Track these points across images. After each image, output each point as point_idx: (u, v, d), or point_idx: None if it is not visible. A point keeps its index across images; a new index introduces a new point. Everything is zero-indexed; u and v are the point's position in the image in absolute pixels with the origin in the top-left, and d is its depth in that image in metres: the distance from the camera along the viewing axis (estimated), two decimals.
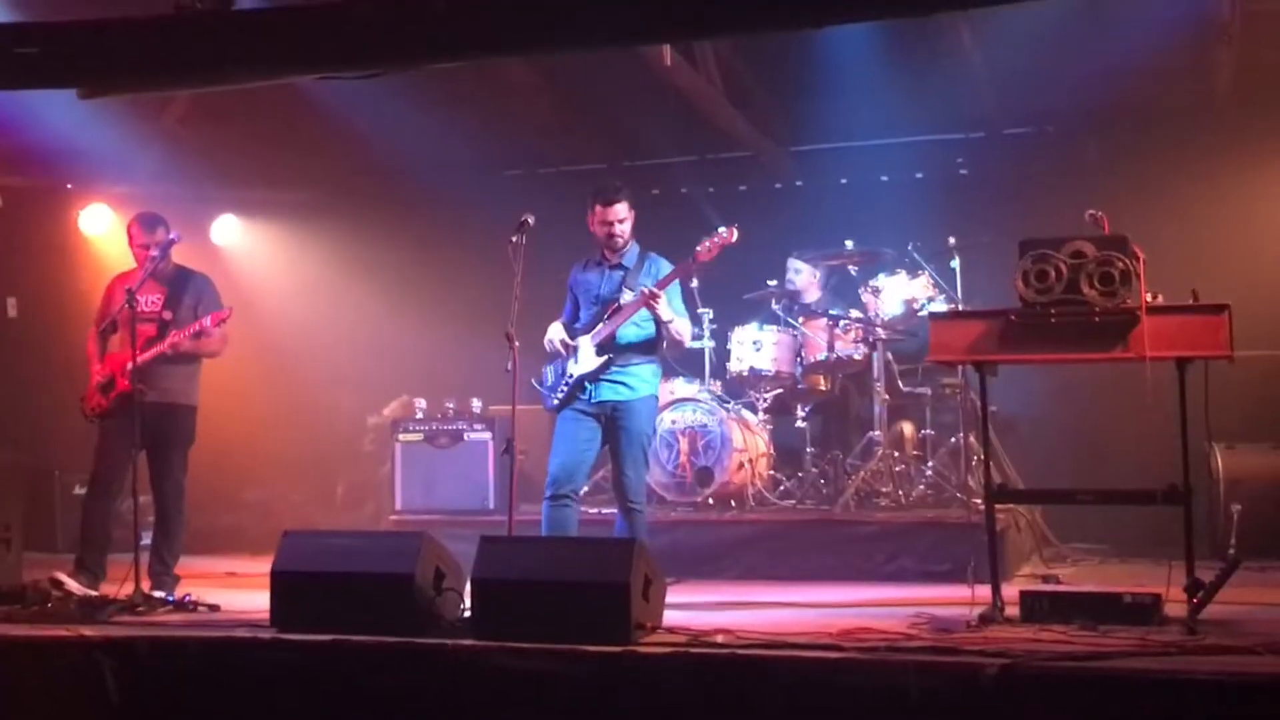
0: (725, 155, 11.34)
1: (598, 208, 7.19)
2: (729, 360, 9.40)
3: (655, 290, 6.96)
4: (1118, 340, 5.85)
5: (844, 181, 11.31)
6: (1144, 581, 6.18)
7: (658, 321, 7.08)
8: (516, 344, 6.77)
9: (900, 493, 8.85)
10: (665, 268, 7.19)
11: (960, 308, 8.62)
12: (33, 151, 10.03)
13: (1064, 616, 5.75)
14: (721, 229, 7.13)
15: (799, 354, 9.35)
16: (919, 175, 11.05)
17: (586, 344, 7.18)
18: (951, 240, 9.03)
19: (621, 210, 7.17)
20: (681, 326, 7.17)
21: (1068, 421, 9.96)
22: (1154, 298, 5.84)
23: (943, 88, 9.74)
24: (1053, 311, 5.89)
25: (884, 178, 11.11)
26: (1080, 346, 5.96)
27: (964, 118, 10.58)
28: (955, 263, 8.99)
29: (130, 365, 7.26)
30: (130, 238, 7.71)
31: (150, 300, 7.61)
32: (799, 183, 11.58)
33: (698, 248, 7.10)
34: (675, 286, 7.22)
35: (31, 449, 9.26)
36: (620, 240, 7.21)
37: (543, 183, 11.68)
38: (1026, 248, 5.97)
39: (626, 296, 7.13)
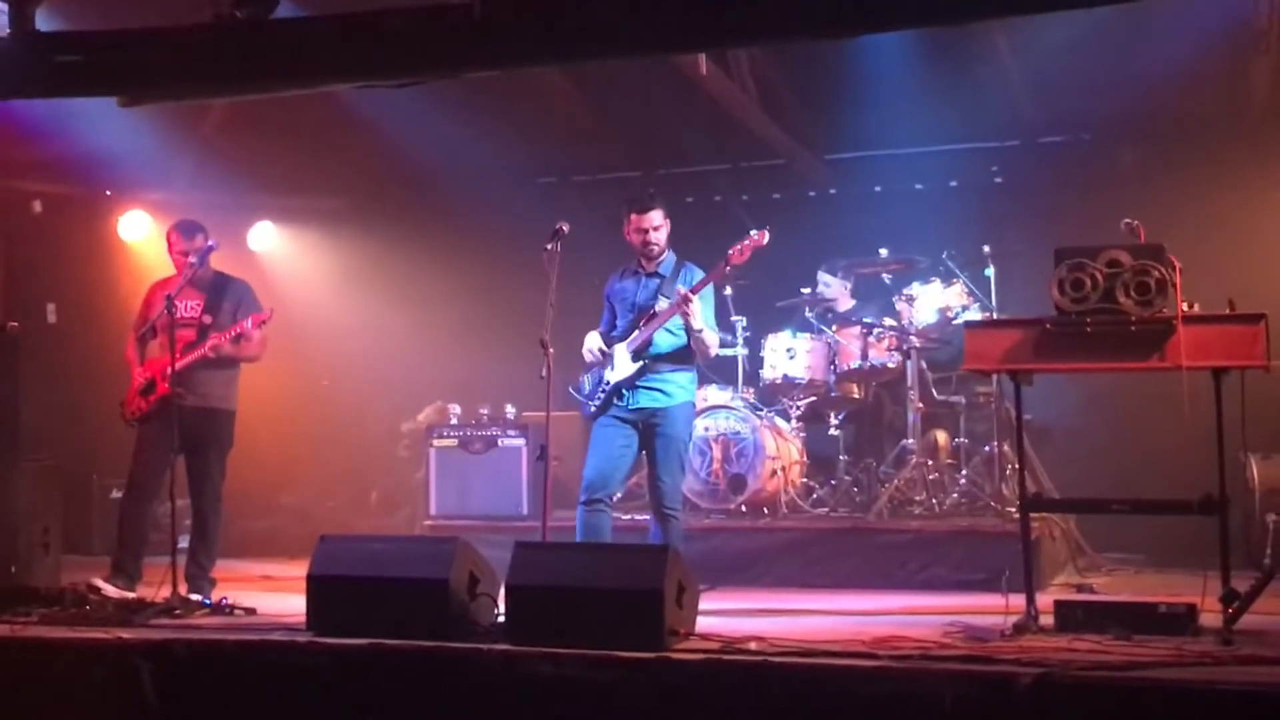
0: (759, 163, 11.33)
1: (633, 216, 7.21)
2: (762, 367, 9.40)
3: (689, 294, 6.97)
4: (1154, 350, 5.82)
5: (878, 189, 11.29)
6: (1179, 591, 6.14)
7: (688, 329, 7.09)
8: (551, 350, 6.79)
9: (934, 501, 8.83)
10: (699, 276, 7.20)
11: (995, 316, 8.60)
12: (73, 158, 10.12)
13: (1099, 626, 5.73)
14: (753, 231, 7.14)
15: (833, 361, 9.33)
16: (953, 183, 11.01)
17: (622, 351, 7.20)
18: (986, 248, 9.00)
19: (656, 218, 7.20)
20: (709, 337, 7.18)
21: (1102, 431, 9.90)
22: (1190, 307, 5.81)
23: (978, 95, 9.72)
24: (1088, 320, 5.87)
25: (918, 185, 11.08)
26: (1116, 356, 5.94)
27: (999, 125, 10.55)
28: (990, 271, 8.97)
29: (170, 370, 7.31)
30: (169, 245, 7.78)
31: (190, 305, 7.67)
32: (833, 190, 11.56)
33: (730, 250, 7.12)
34: (708, 296, 7.23)
35: (70, 453, 9.32)
36: (656, 248, 7.23)
37: (577, 190, 11.71)
38: (1062, 256, 5.95)
39: (662, 304, 7.14)
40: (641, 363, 7.13)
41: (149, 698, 5.67)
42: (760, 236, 7.10)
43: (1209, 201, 9.61)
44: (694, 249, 7.50)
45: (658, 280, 7.26)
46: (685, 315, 7.00)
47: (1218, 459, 5.80)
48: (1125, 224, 6.19)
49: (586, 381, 7.36)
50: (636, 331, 7.18)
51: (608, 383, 7.19)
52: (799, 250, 10.08)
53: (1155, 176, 9.93)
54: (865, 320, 9.30)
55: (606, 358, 7.25)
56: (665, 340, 7.17)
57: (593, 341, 7.33)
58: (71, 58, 6.37)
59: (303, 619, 6.14)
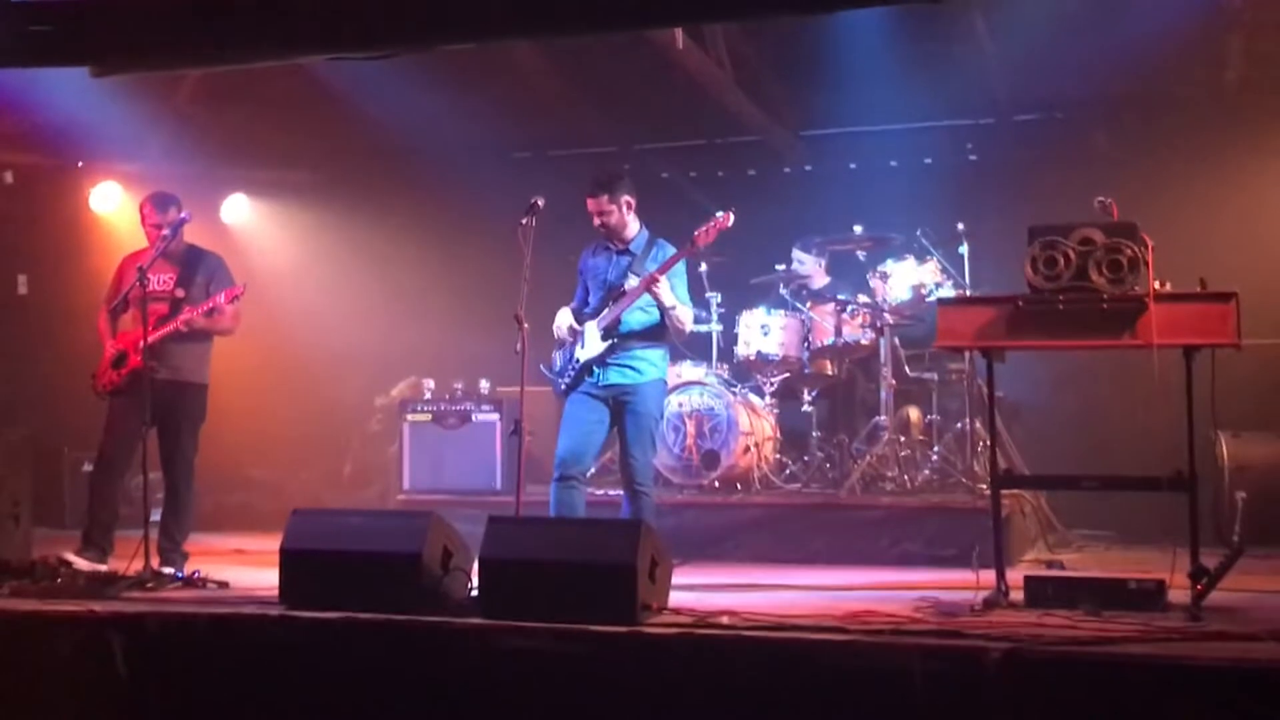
0: (734, 140, 11.32)
1: (587, 200, 7.21)
2: (736, 344, 9.42)
3: (656, 275, 6.97)
4: (1125, 327, 5.84)
5: (853, 166, 11.30)
6: (1148, 568, 6.17)
7: (660, 307, 7.08)
8: (525, 326, 6.79)
9: (906, 477, 8.86)
10: (672, 253, 7.19)
11: (968, 293, 8.63)
12: (44, 129, 10.04)
13: (1068, 602, 5.76)
14: (719, 213, 7.13)
15: (806, 338, 9.36)
16: (928, 161, 11.03)
17: (592, 329, 7.19)
18: (960, 226, 9.02)
19: (603, 203, 7.17)
20: (683, 314, 7.17)
21: (1073, 408, 9.96)
22: (1162, 285, 5.83)
23: (953, 73, 9.72)
24: (1061, 298, 5.88)
25: (893, 163, 11.09)
26: (1088, 333, 5.96)
27: (974, 103, 10.56)
28: (964, 248, 8.99)
29: (142, 343, 7.27)
30: (143, 217, 7.72)
31: (162, 279, 7.62)
32: (808, 167, 11.57)
33: (695, 233, 7.11)
34: (680, 274, 7.22)
35: (40, 425, 9.26)
36: (605, 230, 7.23)
37: (552, 165, 11.68)
38: (1035, 234, 5.96)
39: (631, 282, 7.13)
40: (611, 341, 7.12)
41: (120, 671, 5.66)
42: (725, 218, 7.09)
43: (1182, 180, 9.66)
44: (668, 225, 7.49)
45: (629, 258, 7.24)
46: (655, 294, 6.99)
47: (1188, 436, 5.83)
48: (1098, 202, 6.20)
49: (558, 358, 7.35)
50: (607, 309, 7.17)
51: (578, 360, 7.19)
52: (774, 227, 10.09)
53: (1128, 155, 9.97)
54: (839, 297, 9.33)
55: (577, 335, 7.23)
56: (636, 318, 7.16)
57: (563, 319, 7.32)
58: (42, 27, 6.31)
59: (275, 592, 6.12)
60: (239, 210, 11.83)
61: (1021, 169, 10.42)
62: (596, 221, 7.21)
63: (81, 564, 7.15)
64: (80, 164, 11.23)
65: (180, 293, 7.62)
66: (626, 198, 7.22)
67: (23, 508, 7.89)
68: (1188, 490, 5.82)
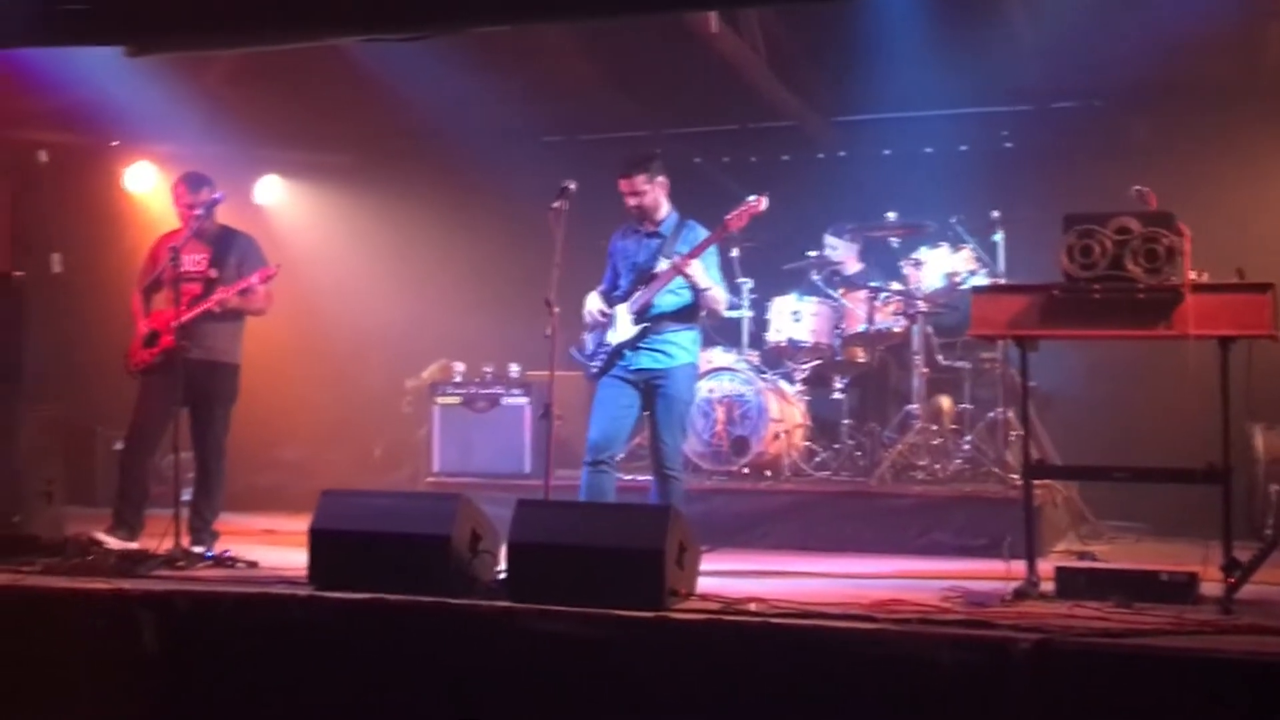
0: (768, 125, 11.27)
1: (620, 180, 7.20)
2: (767, 330, 9.40)
3: (686, 259, 6.96)
4: (1161, 318, 5.80)
5: (887, 153, 11.24)
6: (1181, 560, 6.15)
7: (694, 288, 7.07)
8: (556, 310, 6.78)
9: (937, 466, 8.84)
10: (701, 235, 7.18)
11: (1002, 282, 8.59)
12: (79, 109, 10.08)
13: (1099, 593, 5.73)
14: (750, 197, 7.11)
15: (838, 325, 9.34)
16: (963, 148, 10.96)
17: (623, 312, 7.19)
18: (995, 214, 8.98)
19: (638, 183, 7.17)
20: (717, 294, 7.16)
21: (1107, 398, 9.89)
22: (1199, 276, 5.79)
23: (990, 59, 9.65)
24: (1096, 287, 5.85)
25: (928, 149, 11.03)
26: (1123, 323, 5.92)
27: (1010, 90, 10.48)
28: (998, 237, 8.95)
29: (175, 323, 7.30)
30: (175, 197, 7.75)
31: (195, 259, 7.65)
32: (842, 153, 11.52)
33: (727, 216, 7.09)
34: (712, 255, 7.21)
35: (73, 405, 9.32)
36: (637, 212, 7.22)
37: (584, 149, 11.65)
38: (1071, 223, 5.93)
39: (662, 264, 7.13)
40: (643, 324, 7.12)
41: (150, 648, 5.70)
42: (758, 202, 7.07)
43: (1220, 170, 9.58)
44: (700, 211, 7.47)
45: (659, 240, 7.23)
46: (687, 276, 6.98)
47: (1222, 428, 5.79)
48: (1135, 191, 6.16)
49: (589, 342, 7.35)
50: (638, 293, 7.16)
51: (609, 344, 7.19)
52: (806, 213, 10.06)
53: (1166, 144, 9.88)
54: (872, 284, 9.30)
55: (608, 319, 7.23)
56: (667, 301, 7.15)
57: (593, 303, 7.31)
58: (78, 6, 6.34)
59: (304, 573, 6.16)
60: (272, 191, 11.87)
61: (1058, 157, 10.35)
62: (632, 202, 7.19)
63: (112, 542, 7.20)
64: (114, 144, 11.30)
65: (213, 273, 7.65)
66: (660, 178, 7.22)
67: (55, 486, 7.95)
68: (1221, 483, 5.78)
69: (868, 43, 9.28)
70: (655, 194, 7.21)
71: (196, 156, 9.65)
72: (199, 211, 7.56)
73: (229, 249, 7.76)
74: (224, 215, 7.89)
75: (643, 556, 5.60)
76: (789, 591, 6.04)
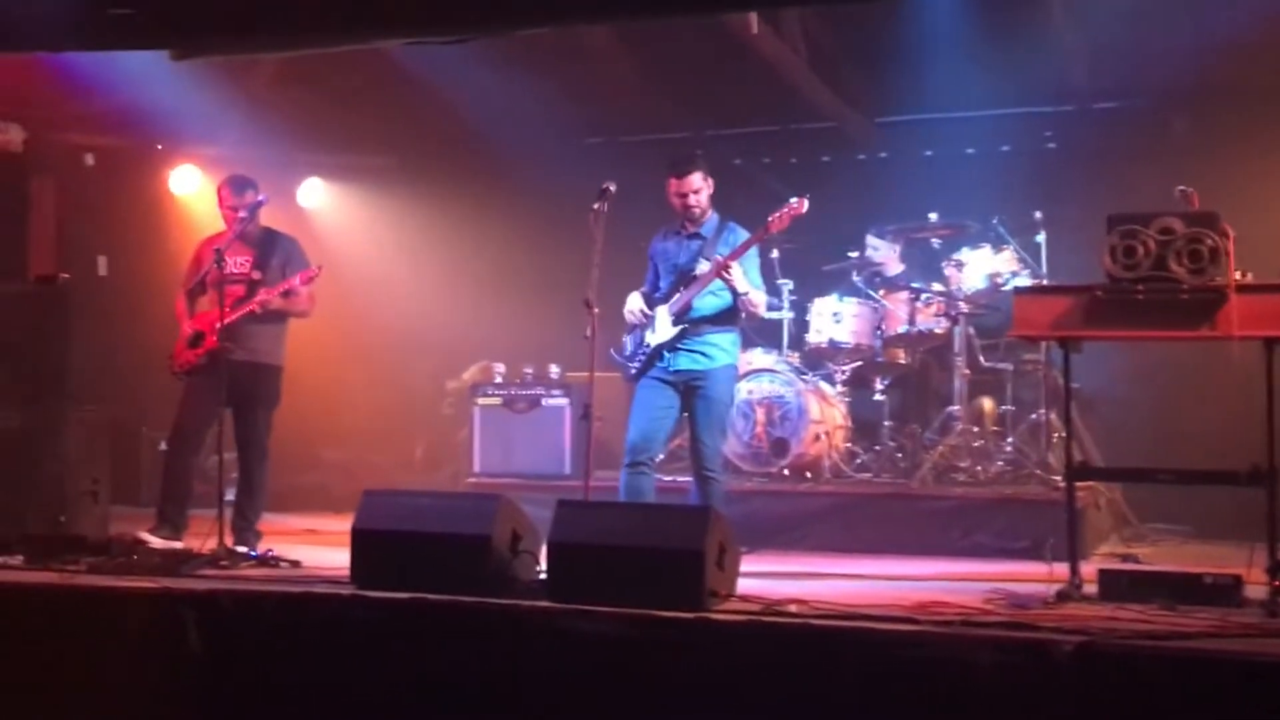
0: (809, 126, 11.25)
1: (672, 179, 7.19)
2: (808, 332, 9.38)
3: (728, 260, 6.96)
4: (1205, 319, 5.76)
5: (929, 154, 11.20)
6: (1225, 563, 6.10)
7: (733, 291, 7.07)
8: (596, 310, 6.79)
9: (978, 468, 8.80)
10: (742, 237, 7.17)
11: (1045, 283, 8.54)
12: (124, 112, 10.16)
13: (1143, 595, 5.70)
14: (793, 199, 7.09)
15: (879, 327, 9.31)
16: (1005, 148, 10.91)
17: (663, 313, 7.20)
18: (1037, 214, 8.94)
19: (695, 181, 7.17)
20: (756, 298, 7.15)
21: (1150, 400, 9.82)
22: (1243, 276, 5.75)
23: (1032, 59, 9.60)
24: (1140, 288, 5.81)
25: (970, 150, 10.97)
26: (1167, 324, 5.88)
27: (1053, 90, 10.43)
28: (1041, 237, 8.91)
29: (219, 324, 7.36)
30: (220, 200, 7.82)
31: (239, 261, 7.71)
32: (883, 154, 11.49)
33: (769, 218, 7.08)
34: (752, 257, 7.20)
35: (119, 405, 9.42)
36: (695, 212, 7.21)
37: (625, 150, 11.66)
38: (1114, 223, 5.89)
39: (702, 266, 7.12)
40: (682, 325, 7.12)
41: (195, 647, 5.73)
42: (799, 204, 7.06)
43: (1265, 170, 9.50)
44: (740, 212, 7.46)
45: (699, 242, 7.23)
46: (726, 279, 6.98)
47: (1267, 430, 5.74)
48: (1179, 191, 6.12)
49: (628, 343, 7.36)
50: (677, 294, 7.16)
51: (648, 345, 7.19)
52: (847, 214, 10.03)
53: (1210, 144, 9.78)
54: (913, 285, 9.26)
55: (648, 319, 7.24)
56: (707, 303, 7.15)
57: (634, 303, 7.32)
58: (124, 11, 6.39)
59: (346, 572, 6.20)
60: (315, 194, 11.94)
61: (1101, 157, 10.28)
62: (691, 201, 7.17)
63: (156, 541, 7.27)
64: (159, 147, 11.37)
65: (257, 275, 7.70)
66: (709, 179, 7.22)
67: (101, 485, 8.01)
68: (1266, 485, 5.73)
69: (909, 43, 9.25)
70: (708, 192, 7.21)
71: (240, 159, 9.73)
72: (243, 214, 7.62)
73: (272, 251, 7.81)
74: (267, 218, 7.96)
75: (683, 557, 5.60)
76: (829, 593, 6.03)
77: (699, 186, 7.18)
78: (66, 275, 8.37)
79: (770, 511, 8.70)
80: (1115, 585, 5.87)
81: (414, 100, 10.54)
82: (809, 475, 9.06)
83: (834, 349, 9.30)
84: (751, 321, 7.59)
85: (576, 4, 6.13)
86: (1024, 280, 8.76)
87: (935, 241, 9.47)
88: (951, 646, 4.90)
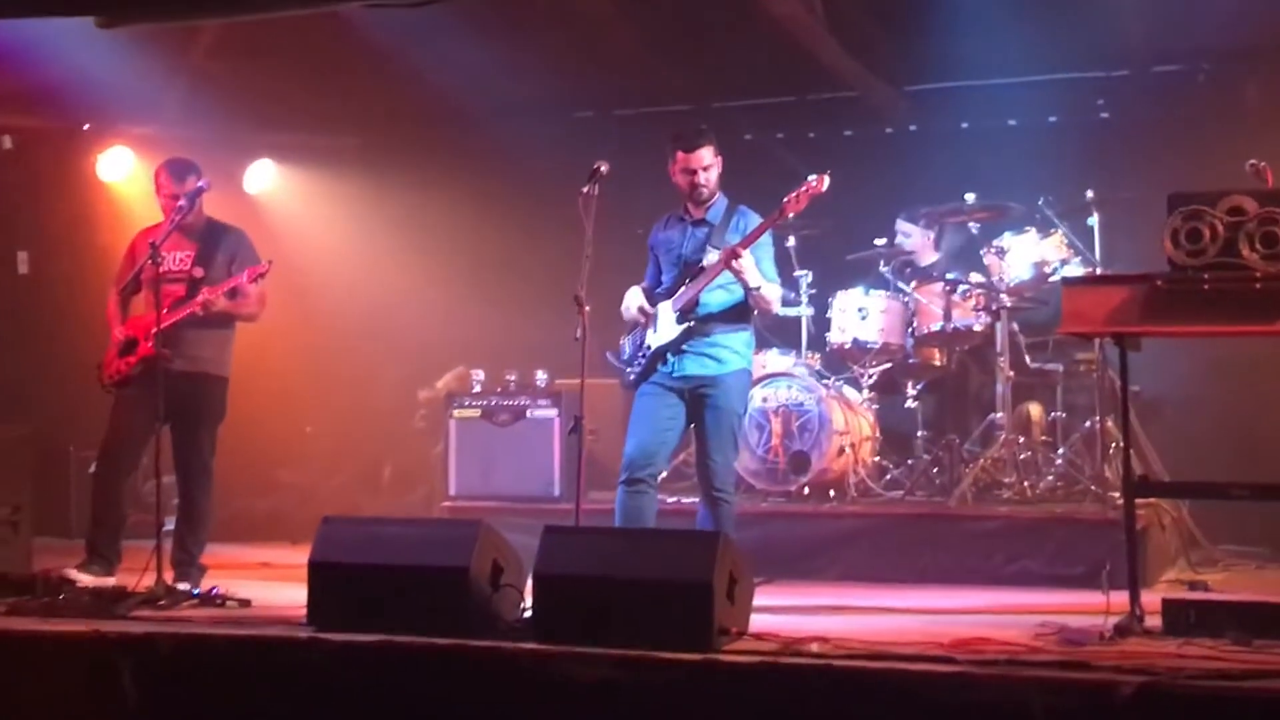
0: (828, 96, 11.27)
1: (678, 154, 7.18)
2: (829, 330, 9.39)
3: (738, 249, 6.93)
4: None
5: (965, 126, 11.22)
6: None
7: (744, 285, 7.05)
8: (587, 308, 6.77)
9: (1025, 484, 8.80)
10: (755, 222, 7.16)
11: (1099, 271, 8.54)
12: (47, 89, 10.16)
13: (1214, 629, 5.68)
14: (811, 176, 7.07)
15: (910, 324, 9.32)
16: (1052, 119, 10.94)
17: (666, 311, 7.18)
18: (1089, 194, 8.93)
19: (705, 156, 7.16)
20: (769, 292, 7.13)
21: (1221, 404, 9.83)
22: None
23: (1082, 18, 9.61)
24: (1206, 276, 5.80)
25: (1011, 122, 11.00)
26: (1238, 317, 5.87)
27: (1106, 53, 10.44)
28: (1093, 220, 8.91)
29: (155, 328, 7.33)
30: (158, 187, 7.79)
31: (179, 257, 7.69)
32: (913, 127, 11.51)
33: (784, 199, 7.06)
34: (766, 246, 7.19)
35: (43, 422, 9.40)
36: (705, 191, 7.20)
37: (619, 125, 11.69)
38: (1176, 203, 5.89)
39: (710, 256, 7.11)
40: (688, 324, 7.10)
41: (129, 699, 5.71)
42: (819, 182, 7.04)
43: None
44: (752, 193, 7.45)
45: (706, 229, 7.22)
46: (736, 271, 6.96)
47: None
48: (1250, 166, 6.13)
49: (626, 345, 7.35)
50: (682, 289, 7.15)
51: (649, 347, 7.18)
52: (874, 196, 10.04)
53: None
54: (949, 276, 9.27)
55: (649, 318, 7.23)
56: (716, 298, 7.14)
57: (633, 299, 7.31)
58: None
59: (303, 612, 6.18)
60: (264, 178, 11.94)
61: (1161, 128, 10.30)
62: (699, 179, 7.16)
63: (86, 579, 7.24)
64: (86, 127, 11.36)
65: (199, 272, 7.68)
66: (719, 155, 7.21)
67: (23, 514, 8.01)
68: None
69: (942, 1, 9.26)
70: (718, 170, 7.20)
71: (179, 140, 9.72)
72: (182, 203, 7.59)
73: (217, 245, 7.79)
74: (210, 206, 7.93)
75: (688, 590, 5.59)
76: (856, 629, 6.03)
77: (708, 163, 7.18)
78: None
79: (788, 536, 8.69)
80: (1182, 617, 5.86)
81: (378, 72, 10.54)
82: (832, 494, 9.06)
83: (859, 349, 9.30)
84: (765, 319, 7.59)
85: None
86: (1075, 269, 8.77)
87: (973, 226, 9.47)
88: (996, 690, 4.89)
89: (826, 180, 7.04)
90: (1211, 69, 10.44)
